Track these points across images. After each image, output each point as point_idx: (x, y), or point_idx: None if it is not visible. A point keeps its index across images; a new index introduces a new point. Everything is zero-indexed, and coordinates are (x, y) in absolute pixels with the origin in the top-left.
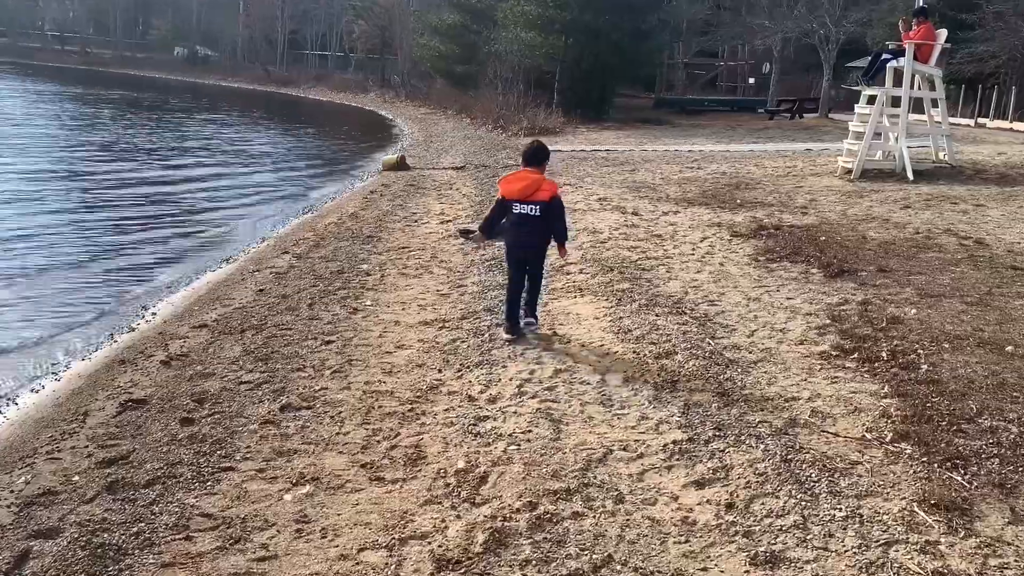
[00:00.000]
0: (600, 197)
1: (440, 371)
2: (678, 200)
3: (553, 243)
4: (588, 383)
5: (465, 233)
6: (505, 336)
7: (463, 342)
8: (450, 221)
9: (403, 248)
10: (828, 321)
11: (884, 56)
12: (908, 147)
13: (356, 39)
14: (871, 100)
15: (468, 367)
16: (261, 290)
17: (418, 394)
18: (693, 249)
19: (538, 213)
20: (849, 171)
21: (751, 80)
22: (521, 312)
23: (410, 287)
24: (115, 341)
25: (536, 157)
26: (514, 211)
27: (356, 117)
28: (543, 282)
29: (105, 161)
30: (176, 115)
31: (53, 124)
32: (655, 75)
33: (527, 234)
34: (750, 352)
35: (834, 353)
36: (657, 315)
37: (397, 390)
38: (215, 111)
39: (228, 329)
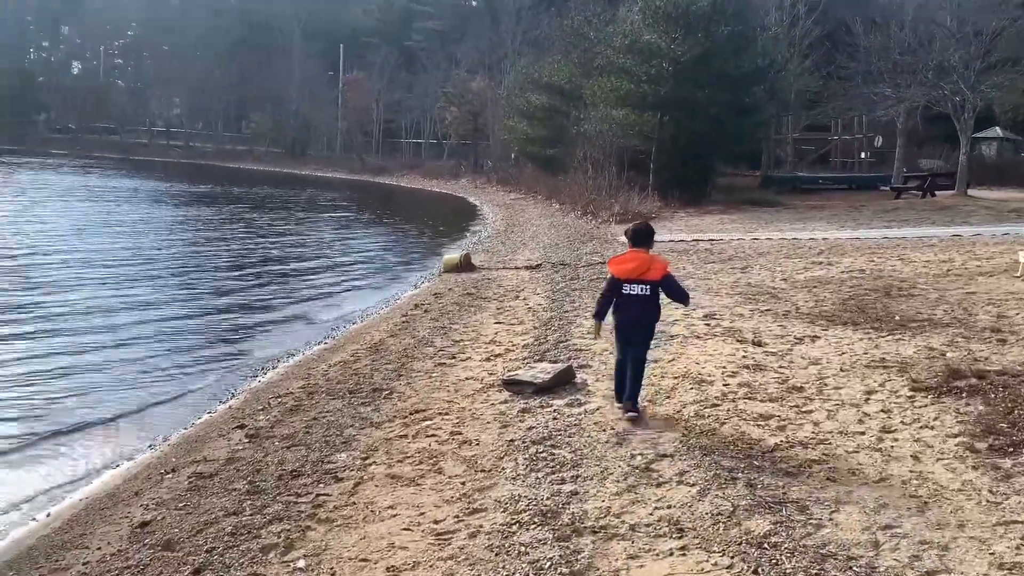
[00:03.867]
0: (707, 313)
1: None
2: (813, 316)
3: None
4: None
5: (513, 384)
6: (617, 405)
7: None
8: (499, 357)
9: (416, 413)
10: None
11: None
12: None
13: (449, 125)
14: None
15: None
16: (144, 524)
17: None
18: (859, 419)
19: (648, 292)
20: None
21: (864, 155)
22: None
23: (394, 511)
24: None
25: (644, 237)
26: (623, 291)
27: (442, 204)
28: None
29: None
30: (245, 205)
31: (145, 217)
32: (759, 152)
33: (637, 314)
34: None
35: None
36: None
37: None
38: (295, 203)
39: None
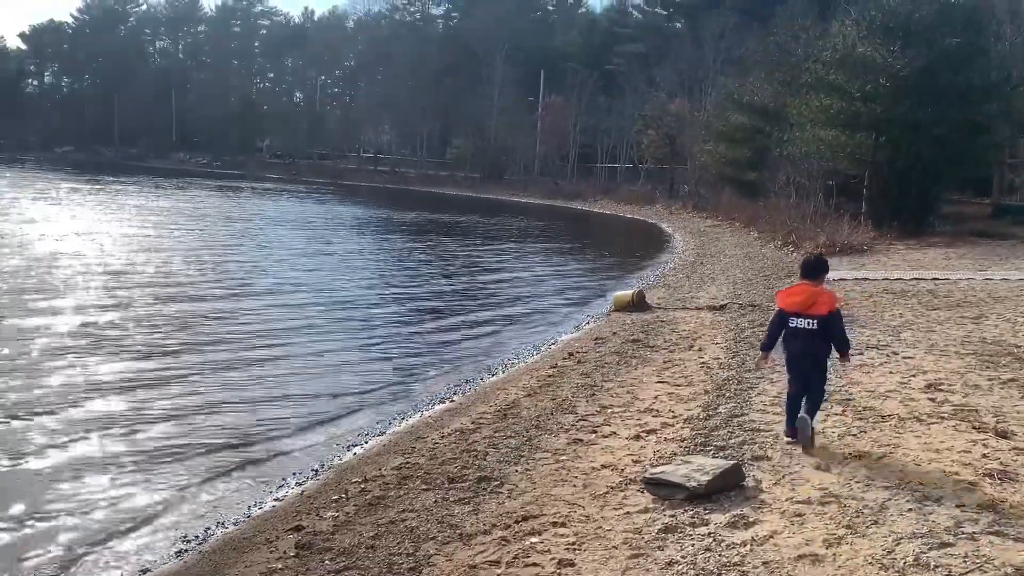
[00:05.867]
0: (931, 381)
1: None
2: None
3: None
4: None
5: (659, 487)
6: (787, 439)
7: None
8: (652, 434)
9: (523, 521)
10: None
11: None
12: None
13: (645, 149)
14: None
15: None
16: None
17: None
18: None
19: (815, 327)
20: None
21: None
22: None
23: None
24: None
25: (815, 270)
26: (790, 324)
27: (632, 231)
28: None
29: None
30: (439, 234)
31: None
32: (989, 177)
33: (803, 347)
34: None
35: None
36: None
37: None
38: (484, 230)
39: None
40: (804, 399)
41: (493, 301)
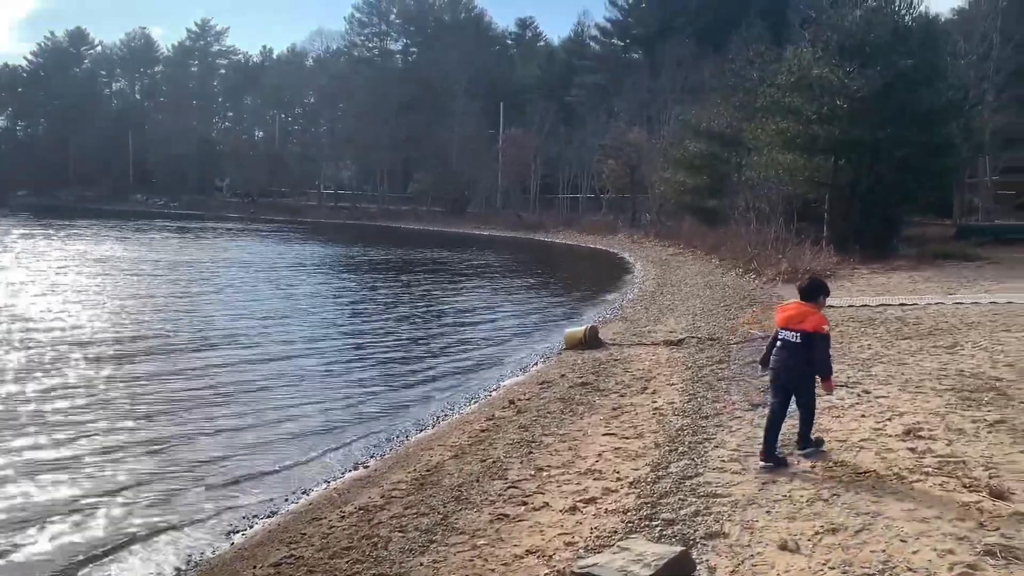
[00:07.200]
0: (909, 427)
1: None
2: None
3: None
4: None
5: None
6: (761, 463)
7: None
8: (592, 504)
9: None
10: None
11: None
12: None
13: (606, 178)
14: None
15: None
16: None
17: None
18: None
19: (798, 340)
20: None
21: None
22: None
23: None
24: None
25: (810, 292)
26: (779, 337)
27: (593, 262)
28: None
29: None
30: (403, 269)
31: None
32: (949, 198)
33: (787, 359)
34: None
35: None
36: None
37: None
38: (444, 264)
39: None
40: (781, 420)
41: (440, 343)
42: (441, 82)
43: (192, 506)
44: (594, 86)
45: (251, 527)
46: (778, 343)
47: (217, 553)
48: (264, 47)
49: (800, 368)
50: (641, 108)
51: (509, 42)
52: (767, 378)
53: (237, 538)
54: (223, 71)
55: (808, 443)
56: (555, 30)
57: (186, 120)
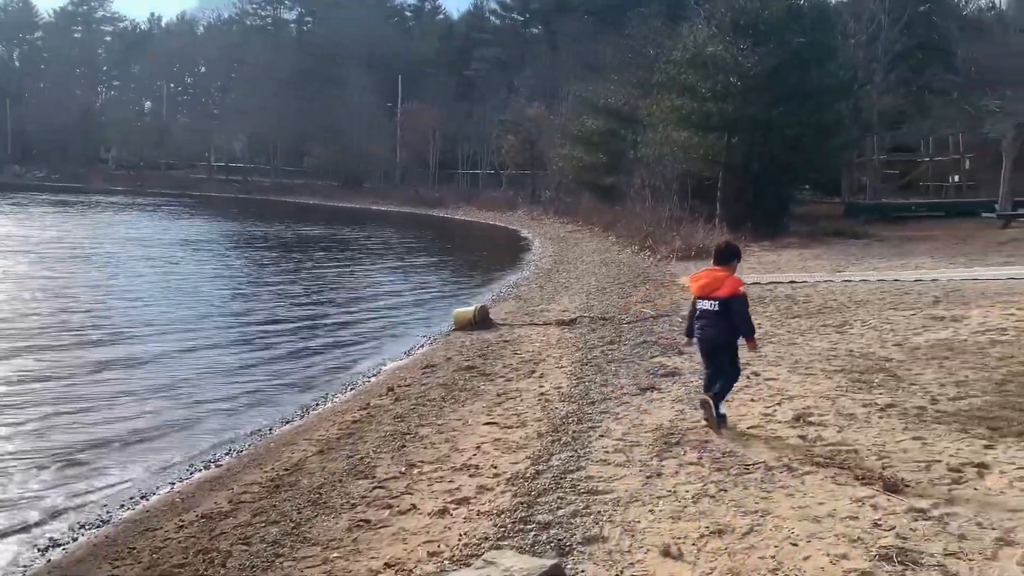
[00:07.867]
0: (798, 412)
1: None
2: (961, 416)
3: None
4: None
5: None
6: (703, 395)
7: None
8: (464, 505)
9: None
10: None
11: None
12: None
13: (506, 154)
14: None
15: None
16: None
17: None
18: None
19: (717, 308)
20: None
21: (953, 179)
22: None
23: None
24: None
25: (723, 256)
26: (698, 306)
27: (491, 238)
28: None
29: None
30: (295, 247)
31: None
32: (838, 177)
33: (708, 328)
34: None
35: None
36: None
37: None
38: (338, 241)
39: None
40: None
41: (325, 325)
42: (337, 54)
43: (15, 514)
44: (494, 60)
45: (75, 539)
46: (698, 313)
47: (28, 572)
48: (152, 14)
49: (722, 336)
50: (541, 83)
51: (408, 14)
52: (692, 348)
53: (56, 553)
54: (108, 38)
55: (719, 408)
56: (455, 3)
57: (69, 89)
